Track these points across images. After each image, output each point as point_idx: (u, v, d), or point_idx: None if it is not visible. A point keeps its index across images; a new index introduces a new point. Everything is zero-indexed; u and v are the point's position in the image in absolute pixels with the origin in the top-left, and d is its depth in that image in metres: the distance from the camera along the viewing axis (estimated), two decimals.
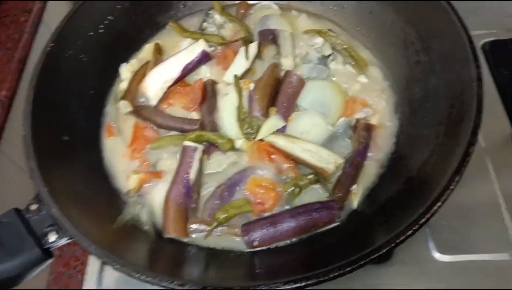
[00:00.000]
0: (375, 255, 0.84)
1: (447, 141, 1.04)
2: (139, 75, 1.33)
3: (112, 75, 1.37)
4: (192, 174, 1.13)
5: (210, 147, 1.20)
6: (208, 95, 1.28)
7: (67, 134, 1.15)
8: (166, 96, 1.30)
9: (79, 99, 1.24)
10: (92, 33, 1.30)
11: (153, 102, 1.28)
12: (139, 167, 1.20)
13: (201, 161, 1.17)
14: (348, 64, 1.35)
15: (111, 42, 1.36)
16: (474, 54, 1.07)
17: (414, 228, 0.87)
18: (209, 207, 1.11)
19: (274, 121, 1.19)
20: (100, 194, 1.14)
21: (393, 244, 0.85)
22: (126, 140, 1.25)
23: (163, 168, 1.19)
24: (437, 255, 1.22)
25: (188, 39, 1.42)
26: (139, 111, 1.27)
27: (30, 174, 0.98)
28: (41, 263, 0.93)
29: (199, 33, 1.43)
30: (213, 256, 1.06)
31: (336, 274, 0.82)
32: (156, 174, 1.17)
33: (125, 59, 1.39)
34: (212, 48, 1.38)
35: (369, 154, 1.18)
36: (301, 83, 1.26)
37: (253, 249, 1.06)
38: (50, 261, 0.95)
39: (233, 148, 1.19)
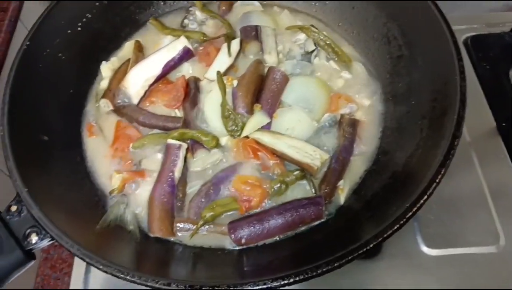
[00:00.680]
0: (362, 250, 0.84)
1: (432, 134, 1.04)
2: (120, 73, 1.31)
3: (92, 74, 1.34)
4: (177, 172, 1.11)
5: (194, 145, 1.18)
6: (191, 92, 1.27)
7: (47, 134, 1.13)
8: (147, 94, 1.28)
9: (58, 98, 1.21)
10: (70, 31, 1.27)
11: (135, 100, 1.26)
12: (122, 167, 1.18)
13: (186, 159, 1.16)
14: (332, 60, 1.34)
15: (90, 40, 1.33)
16: (456, 47, 1.07)
17: (401, 222, 0.87)
18: (194, 206, 1.10)
19: (258, 118, 1.18)
20: (83, 194, 1.12)
21: (380, 239, 0.85)
22: (108, 140, 1.23)
23: (146, 167, 1.17)
24: (425, 249, 1.23)
25: (169, 36, 1.39)
26: (120, 109, 1.25)
27: (9, 175, 0.95)
28: (23, 265, 0.91)
29: (180, 30, 1.42)
30: (200, 255, 1.04)
31: (324, 269, 0.82)
32: (140, 173, 1.15)
33: (105, 57, 1.37)
34: (194, 45, 1.36)
35: (355, 149, 1.18)
36: (285, 79, 1.25)
37: (241, 247, 1.05)
38: (32, 263, 0.92)
39: (217, 146, 1.18)
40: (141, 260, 1.00)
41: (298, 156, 1.12)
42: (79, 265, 1.26)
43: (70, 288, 1.24)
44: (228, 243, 1.06)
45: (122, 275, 0.83)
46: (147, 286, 0.81)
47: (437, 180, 0.91)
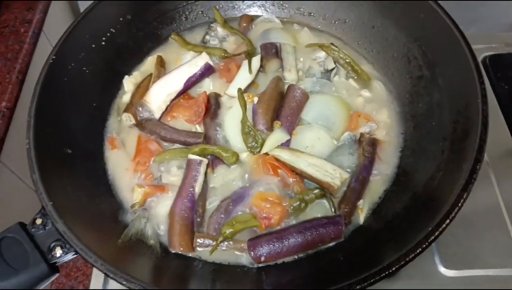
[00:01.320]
0: (385, 273, 0.84)
1: (453, 157, 1.04)
2: (142, 88, 1.33)
3: (115, 88, 1.36)
4: (197, 188, 1.12)
5: (215, 161, 1.19)
6: (212, 108, 1.28)
7: (70, 147, 1.14)
8: (169, 109, 1.30)
9: (82, 111, 1.23)
10: (94, 46, 1.30)
11: (157, 115, 1.27)
12: (143, 181, 1.19)
13: (206, 175, 1.17)
14: (351, 78, 1.36)
15: (114, 55, 1.35)
16: (478, 70, 1.08)
17: (424, 245, 0.87)
18: (214, 221, 1.11)
19: (278, 135, 1.19)
20: (105, 208, 1.13)
21: (402, 262, 0.85)
22: (130, 153, 1.24)
23: (167, 181, 1.18)
24: (442, 270, 1.23)
25: (190, 52, 1.42)
26: (142, 124, 1.26)
27: (34, 188, 0.96)
28: (47, 278, 0.92)
29: (202, 46, 1.44)
30: (220, 271, 1.05)
31: None
32: (161, 187, 1.16)
33: (128, 72, 1.39)
34: (215, 61, 1.38)
35: (374, 169, 1.18)
36: (305, 97, 1.26)
37: (260, 265, 1.05)
38: (56, 276, 0.94)
39: (237, 162, 1.19)
40: (161, 275, 1.01)
41: (318, 175, 1.12)
42: (97, 275, 1.27)
43: None
44: (247, 260, 1.07)
45: None
46: None
47: (460, 204, 0.91)
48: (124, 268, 0.90)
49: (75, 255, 0.92)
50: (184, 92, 1.32)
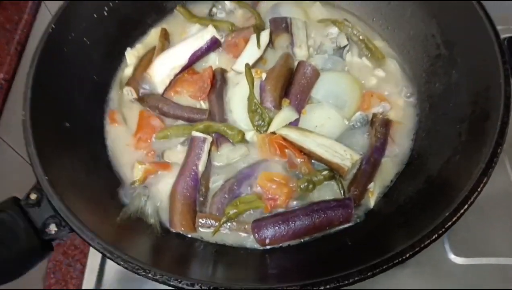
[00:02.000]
0: (398, 260, 0.80)
1: (472, 139, 0.99)
2: (145, 61, 1.27)
3: (117, 60, 1.31)
4: (201, 166, 1.08)
5: (219, 139, 1.14)
6: (217, 84, 1.23)
7: (69, 121, 1.09)
8: (173, 83, 1.24)
9: (82, 84, 1.18)
10: (95, 16, 1.23)
11: (160, 89, 1.22)
12: (144, 157, 1.14)
13: (210, 153, 1.12)
14: (365, 57, 1.29)
15: (116, 26, 1.29)
16: (501, 49, 1.02)
17: (440, 232, 0.82)
18: (217, 201, 1.06)
19: (287, 113, 1.14)
20: (104, 184, 1.08)
21: (417, 249, 0.81)
22: (131, 129, 1.20)
23: (169, 159, 1.14)
24: (452, 257, 1.18)
25: (196, 25, 1.36)
26: (144, 98, 1.21)
27: (29, 161, 0.92)
28: (40, 256, 0.88)
29: (208, 19, 1.37)
30: (222, 253, 1.01)
31: (356, 278, 0.77)
32: (163, 165, 1.12)
33: (131, 44, 1.33)
34: (222, 35, 1.32)
35: (386, 151, 1.13)
36: (316, 74, 1.20)
37: (264, 247, 1.01)
38: (50, 254, 0.89)
39: (243, 140, 1.13)
40: (161, 255, 0.97)
41: (327, 155, 1.07)
42: (95, 254, 1.23)
43: (85, 276, 1.21)
44: (251, 242, 1.02)
45: (143, 273, 0.79)
46: (170, 286, 0.77)
47: (479, 189, 0.86)
48: (122, 247, 0.86)
49: (70, 233, 0.88)
50: (188, 66, 1.26)
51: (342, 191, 1.07)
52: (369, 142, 1.14)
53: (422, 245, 0.81)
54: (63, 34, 1.14)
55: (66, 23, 1.14)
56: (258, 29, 1.30)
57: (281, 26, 1.30)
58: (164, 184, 1.09)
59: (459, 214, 0.84)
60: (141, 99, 1.22)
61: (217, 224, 1.02)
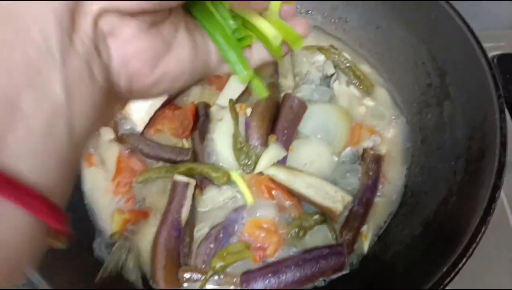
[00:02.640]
0: None
1: (468, 179, 0.94)
2: None
3: None
4: (184, 214, 1.01)
5: (204, 181, 1.08)
6: (200, 120, 1.16)
7: None
8: (153, 121, 1.17)
9: None
10: None
11: (139, 128, 1.15)
12: (124, 205, 1.08)
13: (194, 197, 1.06)
14: (353, 85, 1.24)
15: None
16: (494, 81, 0.97)
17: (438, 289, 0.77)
18: (203, 252, 1.00)
19: (274, 151, 1.08)
20: (81, 237, 1.01)
21: None
22: (110, 172, 1.12)
23: (150, 205, 1.07)
24: None
25: None
26: (123, 138, 1.14)
27: None
28: None
29: None
30: None
31: None
32: (143, 213, 1.05)
33: None
34: None
35: (379, 188, 1.08)
36: (303, 107, 1.15)
37: None
38: None
39: (228, 182, 1.07)
40: None
41: (318, 198, 1.02)
42: None
43: None
44: None
45: None
46: None
47: (478, 240, 0.81)
48: None
49: None
50: (169, 101, 1.19)
51: (334, 236, 1.01)
52: (360, 180, 1.09)
53: None
54: None
55: None
56: None
57: None
58: (145, 234, 1.03)
59: (457, 269, 0.79)
60: (120, 139, 1.15)
61: (203, 278, 0.96)
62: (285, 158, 1.09)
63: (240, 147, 1.09)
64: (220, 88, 1.22)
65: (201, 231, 1.04)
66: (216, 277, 0.96)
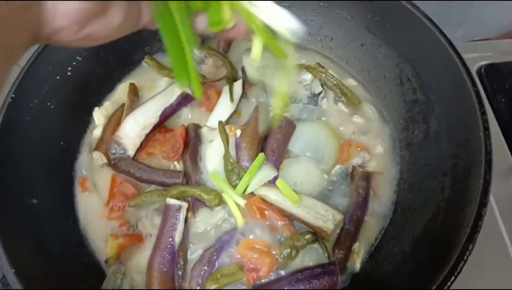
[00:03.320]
0: None
1: (455, 197, 0.96)
2: (114, 120, 1.21)
3: (84, 122, 1.24)
4: (177, 237, 1.03)
5: (196, 203, 1.09)
6: (191, 142, 1.18)
7: (35, 196, 1.03)
8: (144, 144, 1.19)
9: (48, 153, 1.12)
10: (58, 77, 1.17)
11: (131, 152, 1.16)
12: (117, 229, 1.09)
13: (186, 219, 1.07)
14: (340, 102, 1.26)
15: (81, 85, 1.22)
16: (478, 98, 0.99)
17: None
18: (197, 275, 1.01)
19: (265, 172, 1.09)
20: (76, 264, 1.03)
21: None
22: (103, 197, 1.14)
23: (144, 229, 1.08)
24: None
25: (165, 78, 1.30)
26: (115, 163, 1.16)
27: None
28: None
29: None
30: None
31: None
32: (137, 237, 1.06)
33: (98, 102, 1.27)
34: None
35: (369, 205, 1.10)
36: (292, 127, 1.17)
37: None
38: None
39: (220, 203, 1.09)
40: None
41: (309, 218, 1.03)
42: None
43: None
44: None
45: None
46: None
47: (465, 258, 0.83)
48: None
49: None
50: (160, 124, 1.21)
51: (326, 254, 1.03)
52: (350, 198, 1.10)
53: None
54: (24, 102, 1.07)
55: (27, 89, 1.08)
56: (230, 80, 1.26)
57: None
58: (140, 257, 1.04)
59: (446, 287, 0.81)
60: (112, 164, 1.16)
61: None
62: (275, 177, 1.11)
63: (231, 169, 1.10)
64: (210, 109, 1.23)
65: (195, 253, 1.05)
66: None
